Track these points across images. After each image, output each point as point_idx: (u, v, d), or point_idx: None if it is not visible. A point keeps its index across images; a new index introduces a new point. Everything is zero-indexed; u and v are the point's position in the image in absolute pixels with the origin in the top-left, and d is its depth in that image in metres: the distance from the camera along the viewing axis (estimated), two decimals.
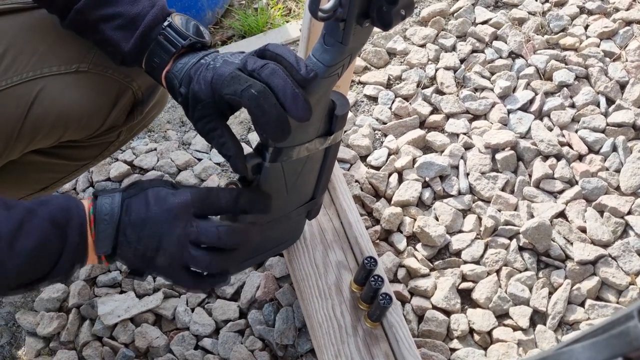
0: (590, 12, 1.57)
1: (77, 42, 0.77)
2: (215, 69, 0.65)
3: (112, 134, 0.84)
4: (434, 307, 1.14)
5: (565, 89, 1.42)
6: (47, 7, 0.75)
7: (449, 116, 1.38)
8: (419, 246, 1.21)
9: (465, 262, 1.19)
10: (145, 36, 0.70)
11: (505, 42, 1.51)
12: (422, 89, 1.43)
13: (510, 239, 1.21)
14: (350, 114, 1.40)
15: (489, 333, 1.12)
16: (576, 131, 1.36)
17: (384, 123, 1.38)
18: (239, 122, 1.40)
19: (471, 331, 1.12)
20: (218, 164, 1.32)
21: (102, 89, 0.78)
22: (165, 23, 0.70)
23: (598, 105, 1.40)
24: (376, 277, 0.92)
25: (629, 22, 1.54)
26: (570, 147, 1.34)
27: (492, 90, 1.42)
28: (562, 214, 1.25)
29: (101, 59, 0.77)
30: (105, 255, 0.62)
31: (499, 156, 1.30)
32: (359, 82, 1.46)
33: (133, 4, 0.70)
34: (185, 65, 0.68)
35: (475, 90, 1.43)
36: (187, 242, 0.62)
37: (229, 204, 0.66)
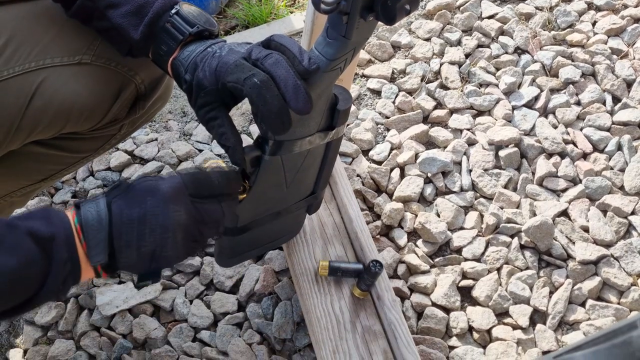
0: (598, 9, 1.55)
1: (81, 33, 0.76)
2: (221, 57, 0.65)
3: (114, 127, 0.83)
4: (434, 304, 1.13)
5: (571, 86, 1.40)
6: None
7: (452, 111, 1.37)
8: (419, 242, 1.20)
9: (465, 260, 1.18)
10: (153, 23, 0.70)
11: (512, 38, 1.49)
12: (426, 83, 1.41)
13: (512, 237, 1.20)
14: (353, 108, 1.39)
15: (489, 331, 1.11)
16: (581, 129, 1.35)
17: (387, 117, 1.37)
18: (241, 113, 1.39)
19: (470, 329, 1.12)
20: (219, 155, 1.31)
21: (105, 82, 0.77)
22: (173, 10, 0.70)
23: (604, 103, 1.38)
24: (375, 262, 0.92)
25: (637, 20, 1.52)
26: (575, 145, 1.32)
27: (497, 86, 1.41)
28: (564, 213, 1.24)
29: (104, 51, 0.77)
30: (102, 265, 0.58)
31: (502, 153, 1.29)
32: (363, 75, 1.45)
33: None
34: (192, 53, 0.68)
35: (480, 85, 1.42)
36: (194, 225, 0.61)
37: (221, 184, 0.65)
